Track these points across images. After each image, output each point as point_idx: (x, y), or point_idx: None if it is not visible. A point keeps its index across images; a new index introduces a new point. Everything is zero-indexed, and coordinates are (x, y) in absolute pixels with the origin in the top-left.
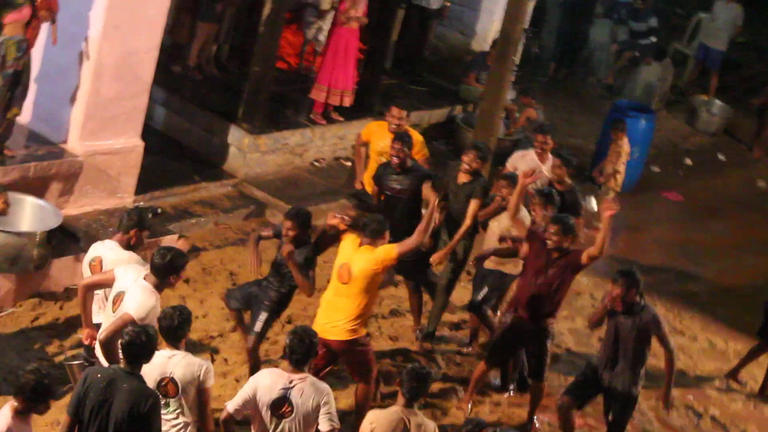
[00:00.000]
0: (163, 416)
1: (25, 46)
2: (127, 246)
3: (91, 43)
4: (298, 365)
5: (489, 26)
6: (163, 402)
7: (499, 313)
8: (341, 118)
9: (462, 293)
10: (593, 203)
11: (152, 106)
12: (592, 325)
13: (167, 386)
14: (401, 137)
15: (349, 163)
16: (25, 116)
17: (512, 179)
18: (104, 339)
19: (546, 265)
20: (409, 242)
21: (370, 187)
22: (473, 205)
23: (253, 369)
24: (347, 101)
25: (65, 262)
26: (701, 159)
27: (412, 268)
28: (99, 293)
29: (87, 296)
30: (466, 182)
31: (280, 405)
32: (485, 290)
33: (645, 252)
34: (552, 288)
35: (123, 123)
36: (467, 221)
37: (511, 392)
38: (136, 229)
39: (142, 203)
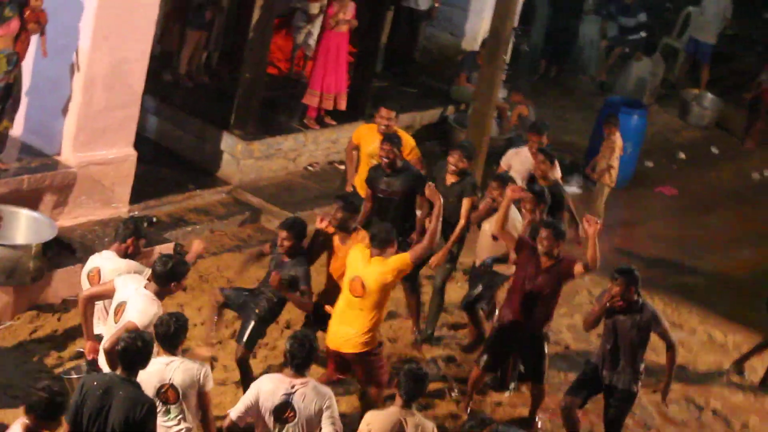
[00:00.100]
0: (164, 423)
1: (15, 60)
2: (125, 255)
3: (81, 54)
4: (299, 370)
5: (478, 26)
6: (163, 409)
7: (494, 318)
8: (334, 122)
9: (460, 293)
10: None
11: (144, 115)
12: (587, 326)
13: (167, 393)
14: (390, 138)
15: (342, 167)
16: (17, 129)
17: (503, 180)
18: (109, 348)
19: (536, 273)
20: (421, 248)
21: (362, 191)
22: (466, 203)
23: (244, 378)
24: (342, 104)
25: (62, 273)
26: (694, 152)
27: None
28: (99, 305)
29: (87, 308)
30: (455, 183)
31: (283, 410)
32: (479, 288)
33: (641, 247)
34: (543, 294)
35: (115, 133)
36: (462, 221)
37: (512, 391)
38: (133, 238)
39: (137, 213)
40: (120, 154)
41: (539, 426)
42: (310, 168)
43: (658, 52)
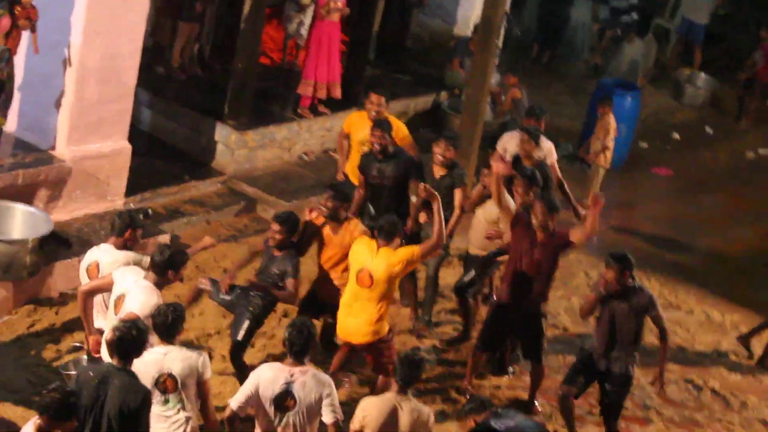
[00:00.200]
0: (163, 413)
1: (7, 56)
2: (123, 247)
3: (73, 49)
4: (298, 357)
5: (470, 12)
6: (163, 398)
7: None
8: (327, 111)
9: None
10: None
11: (138, 108)
12: (584, 313)
13: (166, 382)
14: (380, 124)
15: (337, 155)
16: (11, 125)
17: None
18: (111, 340)
19: (531, 247)
20: (431, 243)
21: (354, 178)
22: (459, 194)
23: (240, 372)
24: (336, 92)
25: (59, 267)
26: (689, 133)
27: None
28: (98, 298)
29: (87, 302)
30: (444, 175)
31: (284, 399)
32: (471, 274)
33: (637, 228)
34: (540, 269)
35: (109, 126)
36: (456, 211)
37: (510, 375)
38: (130, 230)
39: (132, 205)
40: (114, 147)
41: (539, 409)
42: (304, 157)
43: (650, 33)
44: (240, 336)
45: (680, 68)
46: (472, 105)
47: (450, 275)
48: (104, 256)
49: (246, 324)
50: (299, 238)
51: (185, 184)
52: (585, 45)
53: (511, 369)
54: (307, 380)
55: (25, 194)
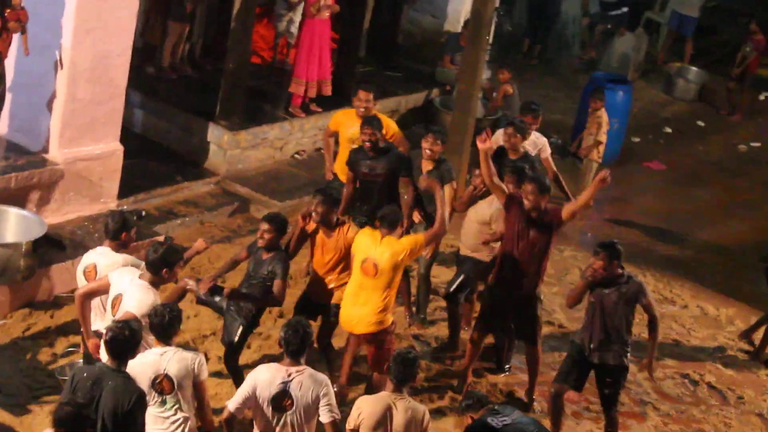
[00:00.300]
0: (161, 414)
1: None
2: (120, 248)
3: (64, 50)
4: (295, 357)
5: (460, 7)
6: (160, 399)
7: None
8: (320, 109)
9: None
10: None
11: (129, 109)
12: (571, 301)
13: (162, 383)
14: (370, 121)
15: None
16: (2, 127)
17: None
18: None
19: (526, 228)
20: (434, 230)
21: (344, 176)
22: (448, 190)
23: (235, 376)
24: (326, 90)
25: (53, 270)
26: (681, 126)
27: None
28: (95, 301)
29: (85, 305)
30: (431, 170)
31: (281, 399)
32: (461, 278)
33: (631, 223)
34: (534, 250)
35: (101, 128)
36: (447, 207)
37: (507, 372)
38: (125, 232)
39: (126, 207)
40: (106, 148)
41: (535, 405)
42: (297, 156)
43: (641, 26)
44: (234, 340)
45: (671, 62)
46: (463, 101)
47: (445, 273)
48: (101, 258)
49: (240, 329)
50: (294, 242)
51: (178, 185)
52: (575, 39)
53: (507, 367)
54: (304, 380)
55: (17, 197)
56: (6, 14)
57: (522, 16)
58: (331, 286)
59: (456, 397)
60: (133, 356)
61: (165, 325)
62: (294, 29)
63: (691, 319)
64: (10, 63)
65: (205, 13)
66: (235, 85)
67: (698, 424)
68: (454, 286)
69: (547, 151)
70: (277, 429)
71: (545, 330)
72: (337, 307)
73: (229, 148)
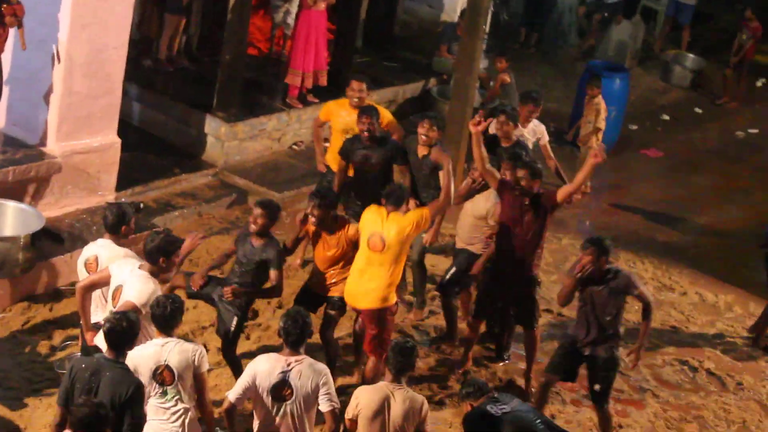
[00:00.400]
0: (162, 405)
1: None
2: (120, 241)
3: (60, 44)
4: (294, 347)
5: None
6: (161, 390)
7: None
8: (317, 100)
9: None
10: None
11: (127, 101)
12: (562, 300)
13: (163, 374)
14: (368, 110)
15: (327, 144)
16: None
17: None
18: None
19: (521, 213)
20: (439, 203)
21: (335, 166)
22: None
23: (234, 367)
24: (322, 80)
25: (52, 263)
26: (678, 113)
27: None
28: (96, 293)
29: (85, 298)
30: (426, 155)
31: (281, 389)
32: (453, 270)
33: (629, 210)
34: (529, 234)
35: (98, 121)
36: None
37: (507, 361)
38: (124, 225)
39: (123, 199)
40: (104, 141)
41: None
42: (295, 147)
43: (637, 14)
44: (230, 330)
45: (668, 49)
46: (461, 90)
47: (444, 263)
48: (102, 251)
49: (234, 320)
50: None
51: (176, 178)
52: (572, 28)
53: (506, 355)
54: (304, 369)
55: (15, 191)
56: (2, 9)
57: (518, 5)
58: (332, 280)
59: (455, 385)
60: (131, 347)
61: (167, 316)
62: (291, 20)
63: (689, 306)
64: (6, 57)
65: (202, 5)
66: (231, 76)
67: (697, 411)
68: (446, 279)
69: (546, 139)
70: (277, 419)
71: (543, 318)
72: (340, 299)
73: (226, 140)
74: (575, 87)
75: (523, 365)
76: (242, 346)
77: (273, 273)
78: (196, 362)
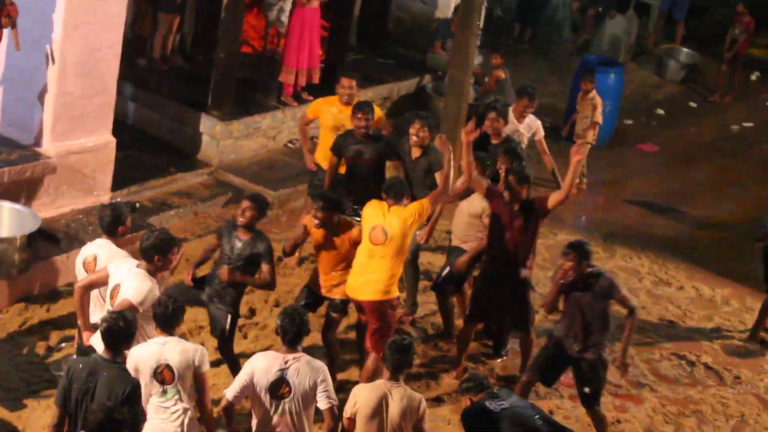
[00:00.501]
0: (162, 404)
1: None
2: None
3: (54, 44)
4: (291, 345)
5: None
6: (161, 389)
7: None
8: (311, 97)
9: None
10: None
11: (121, 101)
12: (548, 307)
13: (163, 373)
14: (363, 106)
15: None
16: None
17: (482, 160)
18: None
19: (510, 220)
20: (438, 192)
21: (325, 163)
22: (439, 178)
23: (232, 365)
24: (315, 78)
25: (48, 264)
26: (673, 108)
27: None
28: (94, 293)
29: (84, 298)
30: (419, 156)
31: (278, 386)
32: (448, 269)
33: (625, 206)
34: (520, 239)
35: (93, 121)
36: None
37: (505, 357)
38: (121, 225)
39: (119, 199)
40: (99, 141)
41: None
42: (290, 145)
43: (631, 8)
44: (225, 329)
45: (662, 43)
46: (455, 86)
47: (440, 260)
48: (101, 250)
49: (228, 318)
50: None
51: (171, 177)
52: (566, 23)
53: (504, 351)
54: (301, 366)
55: (11, 192)
56: None
57: (512, 0)
58: (335, 282)
59: (453, 382)
60: (128, 347)
61: (168, 315)
62: (284, 18)
63: (686, 301)
64: (0, 58)
65: (195, 4)
66: (226, 75)
67: (696, 405)
68: (441, 277)
69: (541, 134)
70: (276, 417)
71: (539, 315)
72: (342, 302)
73: (221, 139)
74: (570, 82)
75: (519, 360)
76: (240, 345)
77: (265, 267)
78: (196, 362)
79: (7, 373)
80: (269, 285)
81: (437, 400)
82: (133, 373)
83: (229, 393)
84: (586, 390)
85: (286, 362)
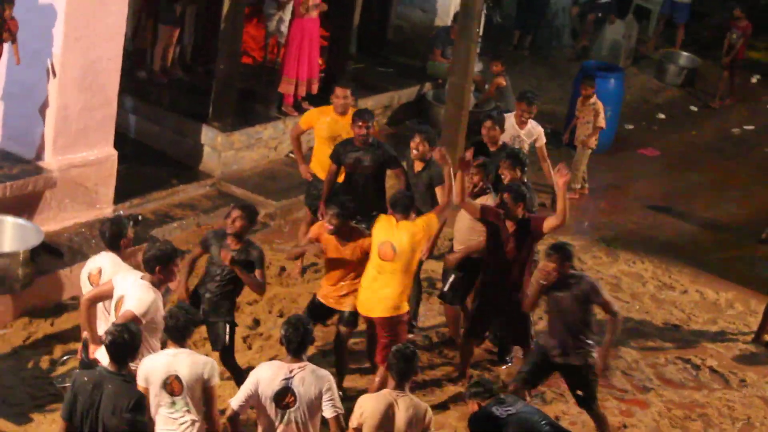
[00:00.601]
0: (170, 415)
1: None
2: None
3: (54, 57)
4: (296, 354)
5: (449, 0)
6: (170, 401)
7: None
8: (312, 107)
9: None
10: None
11: (122, 114)
12: (528, 307)
13: (172, 384)
14: (363, 114)
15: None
16: None
17: (483, 165)
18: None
19: (506, 237)
20: (443, 205)
21: (321, 173)
22: (439, 191)
23: (235, 374)
24: (314, 88)
25: (51, 278)
26: (673, 112)
27: None
28: (99, 306)
29: (90, 311)
30: (421, 171)
31: (283, 396)
32: (452, 278)
33: (627, 210)
34: (516, 257)
35: (94, 134)
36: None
37: (510, 364)
38: (123, 238)
39: (121, 212)
40: (100, 154)
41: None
42: (292, 155)
43: (630, 13)
44: (225, 341)
45: (662, 48)
46: (456, 93)
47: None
48: (106, 263)
49: (227, 328)
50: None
51: (174, 189)
52: (565, 29)
53: (509, 358)
54: (306, 376)
55: (13, 206)
56: None
57: (511, 7)
58: (343, 292)
59: (459, 389)
60: (133, 359)
61: (179, 326)
62: (284, 28)
63: (691, 304)
64: (1, 72)
65: (195, 15)
66: (226, 86)
67: (702, 409)
68: (447, 286)
69: (543, 141)
70: (281, 426)
71: (542, 323)
72: (350, 314)
73: (223, 150)
74: (570, 88)
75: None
76: (245, 356)
77: (258, 272)
78: (206, 375)
79: (12, 388)
80: (261, 287)
81: (443, 408)
82: (143, 383)
83: (235, 403)
84: (580, 393)
85: (291, 371)
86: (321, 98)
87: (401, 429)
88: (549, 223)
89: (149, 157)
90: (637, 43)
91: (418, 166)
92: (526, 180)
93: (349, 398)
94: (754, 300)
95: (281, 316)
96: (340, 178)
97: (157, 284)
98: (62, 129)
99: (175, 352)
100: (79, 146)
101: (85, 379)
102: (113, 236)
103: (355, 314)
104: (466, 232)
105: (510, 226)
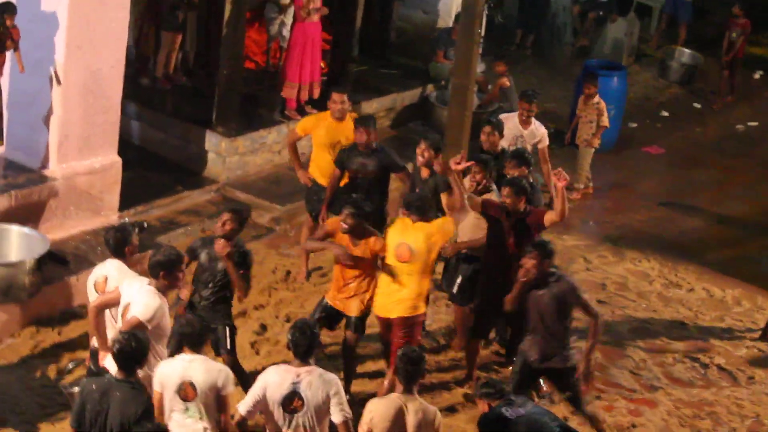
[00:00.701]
0: (183, 421)
1: None
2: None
3: (57, 65)
4: (303, 358)
5: (451, 1)
6: (183, 407)
7: None
8: (315, 111)
9: None
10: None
11: (126, 120)
12: (509, 306)
13: (186, 390)
14: (365, 121)
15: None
16: None
17: (485, 163)
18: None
19: (507, 233)
20: (454, 207)
21: (323, 179)
22: (445, 199)
23: (242, 379)
24: (316, 92)
25: (58, 286)
26: (677, 109)
27: None
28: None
29: (99, 318)
30: (427, 177)
31: (291, 400)
32: (459, 280)
33: (632, 209)
34: (518, 251)
35: (98, 141)
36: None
37: None
38: (127, 246)
39: (127, 219)
40: (105, 162)
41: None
42: None
43: (632, 11)
44: (228, 346)
45: (664, 45)
46: (459, 94)
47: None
48: (112, 271)
49: (227, 332)
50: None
51: (179, 195)
52: (567, 28)
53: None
54: (314, 380)
55: (19, 215)
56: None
57: (513, 7)
58: (351, 293)
59: (467, 391)
60: (141, 366)
61: (196, 334)
62: (286, 32)
63: (698, 302)
64: (5, 81)
65: (197, 21)
66: (229, 91)
67: (710, 407)
68: (456, 288)
69: (545, 142)
70: (289, 431)
71: None
72: (357, 320)
73: (227, 155)
74: (572, 87)
75: None
76: (252, 361)
77: (246, 274)
78: (220, 383)
79: (20, 397)
80: (247, 287)
81: (451, 410)
82: (158, 388)
83: (242, 407)
84: (567, 395)
85: (298, 376)
86: (323, 102)
87: None
88: (549, 217)
89: (153, 163)
90: (639, 41)
91: (425, 172)
92: (531, 180)
93: (357, 403)
94: (761, 297)
95: (288, 321)
96: (342, 183)
97: (162, 290)
98: (66, 137)
99: (191, 358)
100: (84, 154)
101: (93, 387)
102: (118, 244)
103: (362, 320)
104: (471, 230)
105: (511, 220)
